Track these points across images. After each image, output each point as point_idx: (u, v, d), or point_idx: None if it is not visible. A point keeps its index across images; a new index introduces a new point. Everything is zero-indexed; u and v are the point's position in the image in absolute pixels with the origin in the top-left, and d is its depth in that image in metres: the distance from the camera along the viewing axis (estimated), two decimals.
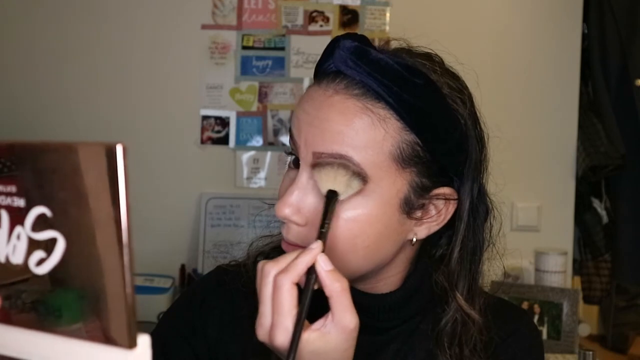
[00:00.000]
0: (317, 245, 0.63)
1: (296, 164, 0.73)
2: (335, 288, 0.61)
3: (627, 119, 2.35)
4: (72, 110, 2.26)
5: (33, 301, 0.41)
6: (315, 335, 0.61)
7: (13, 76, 2.26)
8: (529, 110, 2.36)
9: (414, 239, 0.75)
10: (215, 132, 2.30)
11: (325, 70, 0.73)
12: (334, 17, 2.30)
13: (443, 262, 0.78)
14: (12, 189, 0.42)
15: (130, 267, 0.37)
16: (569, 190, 2.36)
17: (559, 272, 2.09)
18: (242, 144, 2.31)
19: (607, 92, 2.38)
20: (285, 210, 0.70)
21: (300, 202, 0.71)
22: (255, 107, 2.31)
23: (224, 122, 2.30)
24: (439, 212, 0.75)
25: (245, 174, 2.31)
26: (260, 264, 0.65)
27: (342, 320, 0.61)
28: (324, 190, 0.68)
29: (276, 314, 0.61)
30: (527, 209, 2.34)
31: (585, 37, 2.39)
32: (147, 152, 2.28)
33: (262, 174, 2.30)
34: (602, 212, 2.45)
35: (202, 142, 2.30)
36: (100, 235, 0.38)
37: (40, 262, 0.41)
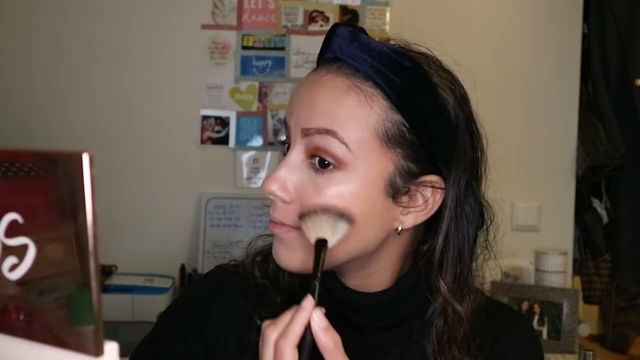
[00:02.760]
0: (309, 303, 0.65)
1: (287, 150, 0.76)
2: (329, 346, 0.64)
3: (627, 119, 2.35)
4: (72, 110, 2.26)
5: (5, 305, 0.42)
6: None
7: (12, 76, 2.26)
8: (529, 110, 2.36)
9: (400, 228, 0.74)
10: (215, 132, 2.30)
11: (323, 59, 0.76)
12: (334, 17, 2.30)
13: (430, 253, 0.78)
14: None
15: (97, 275, 0.38)
16: (569, 190, 2.36)
17: (559, 272, 2.09)
18: (242, 144, 2.31)
19: (607, 92, 2.38)
20: (272, 186, 0.72)
21: (287, 179, 0.72)
22: (255, 107, 2.31)
23: (224, 122, 2.30)
24: (426, 201, 0.74)
25: (245, 174, 2.31)
26: (263, 327, 0.67)
27: None
28: (313, 240, 0.69)
29: None
30: (527, 209, 2.34)
31: (585, 37, 2.39)
32: (147, 152, 2.28)
33: (262, 174, 2.30)
34: (602, 212, 2.45)
35: (202, 142, 2.30)
36: (68, 243, 0.39)
37: (12, 267, 0.41)
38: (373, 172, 0.71)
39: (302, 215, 0.70)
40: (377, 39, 0.74)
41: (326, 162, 0.70)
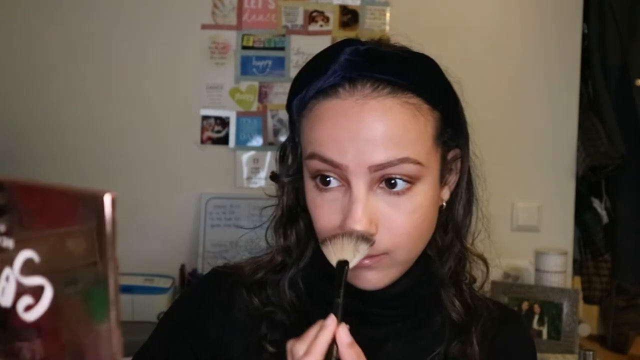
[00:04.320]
0: (332, 321, 0.65)
1: (325, 182, 0.72)
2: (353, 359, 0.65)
3: (627, 119, 2.35)
4: (71, 109, 2.26)
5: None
6: None
7: (10, 76, 2.25)
8: (529, 110, 2.36)
9: (444, 205, 0.78)
10: (215, 132, 2.30)
11: (333, 81, 0.71)
12: (334, 17, 2.30)
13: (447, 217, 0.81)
14: (2, 228, 0.40)
15: (117, 326, 0.36)
16: (569, 190, 2.36)
17: (559, 272, 2.09)
18: (242, 144, 2.31)
19: (607, 92, 2.38)
20: (358, 228, 0.69)
21: (367, 214, 0.70)
22: (255, 107, 2.31)
23: (224, 122, 2.30)
24: (455, 171, 0.79)
25: (245, 174, 2.31)
26: (289, 345, 0.67)
27: None
28: (334, 262, 0.69)
29: None
30: (527, 209, 2.34)
31: (585, 37, 2.39)
32: (147, 152, 2.28)
33: (262, 174, 2.30)
34: (602, 212, 2.45)
35: (202, 142, 2.30)
36: (85, 287, 0.37)
37: (27, 308, 0.39)
38: (435, 171, 0.74)
39: (323, 240, 0.71)
40: (376, 40, 0.75)
41: (397, 182, 0.70)
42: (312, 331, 0.66)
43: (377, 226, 0.70)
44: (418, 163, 0.70)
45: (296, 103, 0.75)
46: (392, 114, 0.69)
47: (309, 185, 0.74)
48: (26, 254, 0.39)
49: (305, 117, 0.74)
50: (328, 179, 0.71)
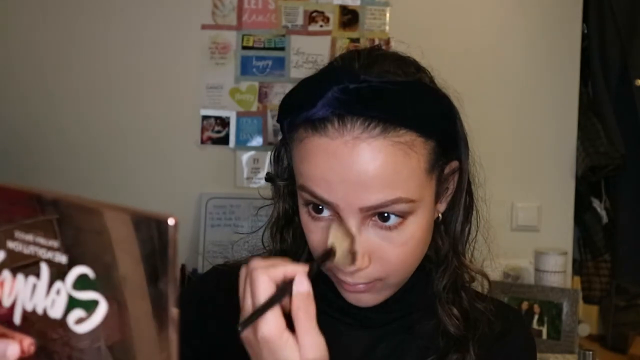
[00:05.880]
0: (304, 267, 0.62)
1: (317, 211, 0.72)
2: (300, 315, 0.60)
3: (627, 119, 2.34)
4: (71, 110, 2.26)
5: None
6: (286, 336, 0.59)
7: (10, 76, 2.25)
8: (529, 110, 2.36)
9: (440, 217, 0.78)
10: (215, 132, 2.30)
11: (322, 115, 0.68)
12: (334, 17, 2.30)
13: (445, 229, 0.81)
14: (54, 244, 0.41)
15: (176, 342, 0.36)
16: (569, 190, 2.36)
17: (558, 272, 2.09)
18: (242, 144, 2.31)
19: (607, 92, 2.38)
20: (358, 265, 0.70)
21: (361, 249, 0.70)
22: (255, 107, 2.31)
23: (224, 122, 2.30)
24: (452, 183, 0.79)
25: (245, 174, 2.31)
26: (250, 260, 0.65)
27: (302, 341, 0.59)
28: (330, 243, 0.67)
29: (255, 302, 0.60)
30: (527, 209, 2.34)
31: (585, 37, 2.39)
32: (147, 152, 2.28)
33: (262, 174, 2.30)
34: (602, 212, 2.45)
35: (202, 142, 2.30)
36: (143, 307, 0.37)
37: (79, 320, 0.40)
38: (430, 200, 0.73)
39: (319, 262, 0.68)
40: (376, 39, 0.74)
41: (389, 216, 0.70)
42: (279, 259, 0.64)
43: (370, 259, 0.71)
44: (411, 201, 0.69)
45: (286, 124, 0.74)
46: (383, 157, 0.67)
47: (302, 210, 0.74)
48: (80, 269, 0.40)
49: (296, 145, 0.73)
50: (320, 207, 0.71)
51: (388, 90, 0.68)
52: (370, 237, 0.70)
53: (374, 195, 0.67)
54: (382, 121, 0.67)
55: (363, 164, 0.67)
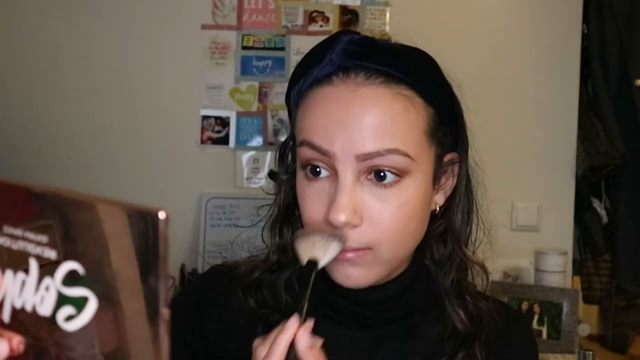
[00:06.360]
0: (294, 322, 0.64)
1: (314, 172, 0.71)
2: None
3: (627, 119, 2.34)
4: (71, 110, 2.26)
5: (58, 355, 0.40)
6: None
7: (9, 76, 2.25)
8: (529, 110, 2.36)
9: (437, 209, 0.77)
10: (215, 132, 2.30)
11: (328, 70, 0.71)
12: (334, 17, 2.30)
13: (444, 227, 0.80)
14: (43, 238, 0.40)
15: (167, 339, 0.36)
16: (569, 190, 2.36)
17: (558, 272, 2.09)
18: (242, 144, 2.31)
19: (607, 92, 2.38)
20: (342, 216, 0.67)
21: (352, 204, 0.68)
22: (255, 107, 2.31)
23: (224, 122, 2.30)
24: (451, 175, 0.78)
25: (245, 174, 2.31)
26: (253, 346, 0.67)
27: None
28: (304, 261, 0.68)
29: None
30: (527, 209, 2.34)
31: (585, 37, 2.39)
32: (147, 152, 2.28)
33: (262, 174, 2.30)
34: (602, 212, 2.45)
35: (202, 142, 2.30)
36: (133, 303, 0.36)
37: (68, 318, 0.39)
38: (427, 168, 0.72)
39: (296, 236, 0.70)
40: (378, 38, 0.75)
41: (386, 174, 0.69)
42: (273, 333, 0.65)
43: (362, 218, 0.69)
44: (407, 155, 0.69)
45: (294, 93, 0.75)
46: (383, 103, 0.68)
47: (300, 176, 0.74)
48: (70, 265, 0.39)
49: (300, 106, 0.74)
50: (318, 169, 0.71)
51: (394, 48, 0.72)
52: (364, 195, 0.69)
53: (371, 143, 0.67)
54: (385, 74, 0.69)
55: (362, 109, 0.68)
